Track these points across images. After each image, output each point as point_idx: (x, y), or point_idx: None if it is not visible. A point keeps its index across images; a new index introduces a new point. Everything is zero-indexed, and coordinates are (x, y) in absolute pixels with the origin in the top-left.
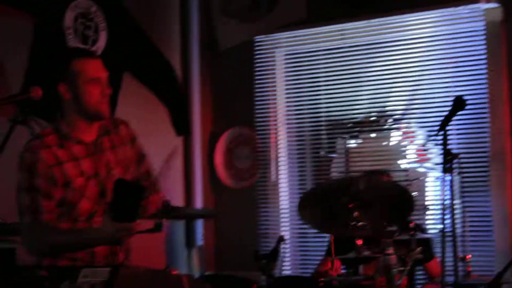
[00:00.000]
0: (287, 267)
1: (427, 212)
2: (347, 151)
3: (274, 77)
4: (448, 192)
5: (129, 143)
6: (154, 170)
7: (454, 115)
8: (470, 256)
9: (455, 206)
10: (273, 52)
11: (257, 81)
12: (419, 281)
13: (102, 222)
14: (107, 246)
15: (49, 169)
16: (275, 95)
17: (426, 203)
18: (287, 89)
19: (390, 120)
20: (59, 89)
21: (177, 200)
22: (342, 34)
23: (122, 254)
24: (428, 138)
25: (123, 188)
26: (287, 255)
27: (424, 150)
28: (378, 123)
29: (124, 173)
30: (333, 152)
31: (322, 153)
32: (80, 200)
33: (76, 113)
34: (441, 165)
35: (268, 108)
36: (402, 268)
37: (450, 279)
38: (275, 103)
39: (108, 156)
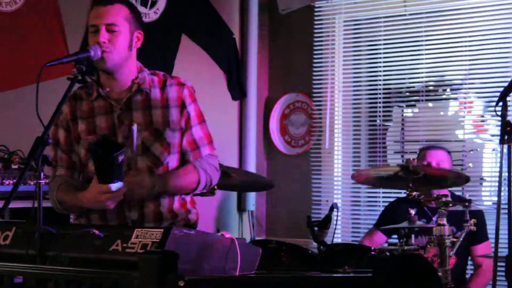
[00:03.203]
0: (338, 235)
1: (483, 184)
2: (403, 120)
3: (333, 44)
4: (505, 164)
5: (178, 107)
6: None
7: None
8: None
9: None
10: (333, 19)
11: (315, 48)
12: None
13: (89, 186)
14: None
15: (66, 123)
16: (333, 62)
17: (482, 174)
18: (345, 56)
19: (448, 90)
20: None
21: (232, 163)
22: (404, 1)
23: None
24: (487, 108)
25: (99, 149)
26: (339, 223)
27: (482, 121)
28: (436, 92)
29: (151, 137)
30: (389, 120)
31: (378, 121)
32: (90, 159)
33: (95, 64)
34: (499, 137)
35: (325, 75)
36: (455, 239)
37: (504, 252)
38: (332, 70)
39: (135, 117)
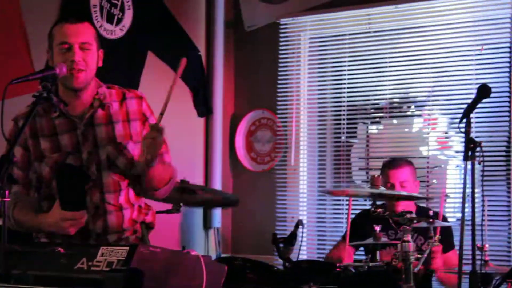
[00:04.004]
0: (304, 251)
1: (447, 200)
2: (368, 136)
3: (298, 61)
4: (468, 181)
5: (140, 120)
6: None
7: (479, 102)
8: (487, 245)
9: (475, 195)
10: (298, 35)
11: (280, 64)
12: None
13: (51, 211)
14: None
15: (24, 140)
16: (298, 78)
17: (447, 191)
18: (310, 73)
19: (412, 107)
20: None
21: (198, 180)
22: (368, 19)
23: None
24: (451, 125)
25: (64, 179)
26: (304, 239)
27: (446, 137)
28: (400, 109)
29: (115, 151)
30: (354, 137)
31: (343, 138)
32: (53, 177)
33: (62, 82)
34: (463, 153)
35: (290, 91)
36: (419, 256)
37: (467, 267)
38: (298, 87)
39: (98, 132)
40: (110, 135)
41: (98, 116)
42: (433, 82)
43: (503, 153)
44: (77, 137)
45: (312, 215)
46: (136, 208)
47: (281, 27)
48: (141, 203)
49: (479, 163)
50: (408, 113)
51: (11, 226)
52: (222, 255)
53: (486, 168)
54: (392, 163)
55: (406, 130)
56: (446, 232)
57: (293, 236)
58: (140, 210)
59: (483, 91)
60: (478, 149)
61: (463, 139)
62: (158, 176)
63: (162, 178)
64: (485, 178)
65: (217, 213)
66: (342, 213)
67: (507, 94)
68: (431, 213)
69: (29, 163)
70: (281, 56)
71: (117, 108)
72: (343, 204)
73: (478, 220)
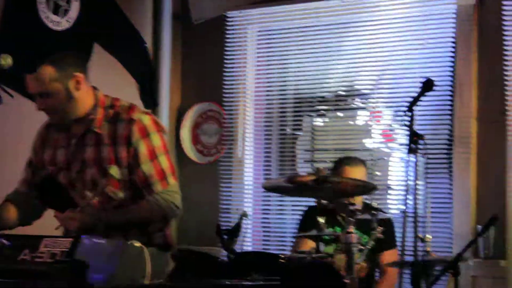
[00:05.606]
0: (248, 243)
1: (390, 192)
2: (313, 129)
3: (245, 54)
4: (412, 173)
5: (125, 144)
6: None
7: (422, 96)
8: (430, 236)
9: (418, 187)
10: (245, 29)
11: (227, 57)
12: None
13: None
14: None
15: (35, 148)
16: (245, 71)
17: (389, 183)
18: (257, 66)
19: (357, 99)
20: None
21: None
22: (316, 13)
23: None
24: (395, 118)
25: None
26: (249, 231)
27: (390, 130)
28: (345, 102)
29: (99, 174)
30: (299, 129)
31: (288, 130)
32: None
33: None
34: (406, 146)
35: (237, 84)
36: (362, 247)
37: (409, 258)
38: (244, 80)
39: (87, 153)
40: (96, 156)
41: (89, 136)
42: (379, 75)
43: (446, 146)
44: (69, 155)
45: (257, 207)
46: None
47: (229, 20)
48: None
49: (422, 156)
50: (353, 106)
51: None
52: None
53: (429, 161)
54: (351, 160)
55: (351, 122)
56: (387, 230)
57: (237, 227)
58: None
59: (427, 85)
60: (421, 142)
61: (407, 132)
62: (130, 225)
63: (138, 223)
64: (428, 170)
65: None
66: (287, 205)
67: (450, 88)
68: (374, 204)
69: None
70: (228, 49)
71: (108, 130)
72: (288, 196)
73: (421, 212)
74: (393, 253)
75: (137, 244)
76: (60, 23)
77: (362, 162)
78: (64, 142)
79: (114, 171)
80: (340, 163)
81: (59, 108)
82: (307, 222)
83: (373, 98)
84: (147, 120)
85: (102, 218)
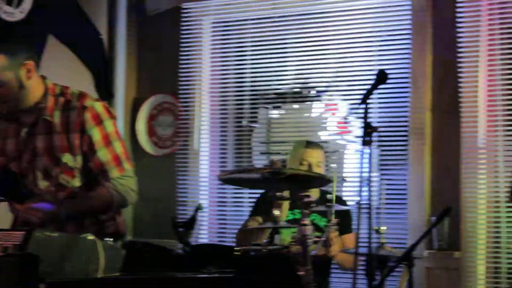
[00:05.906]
0: (204, 235)
1: (345, 184)
2: (269, 121)
3: (200, 46)
4: (366, 165)
5: (78, 132)
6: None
7: (376, 88)
8: (384, 228)
9: (373, 179)
10: (201, 20)
11: (182, 49)
12: None
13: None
14: None
15: None
16: (200, 63)
17: (345, 175)
18: (212, 57)
19: (313, 92)
20: None
21: None
22: (273, 4)
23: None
24: (350, 110)
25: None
26: (205, 223)
27: (346, 122)
28: (301, 94)
29: (51, 162)
30: (255, 122)
31: (244, 122)
32: None
33: None
34: (361, 138)
35: (192, 76)
36: (317, 239)
37: (363, 249)
38: (200, 72)
39: (38, 142)
40: (47, 145)
41: (40, 124)
42: (335, 68)
43: (402, 138)
44: (20, 145)
45: (213, 199)
46: None
47: (184, 11)
48: None
49: (377, 148)
50: (309, 98)
51: None
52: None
53: (386, 153)
54: (310, 143)
55: (307, 115)
56: (345, 216)
57: (192, 220)
58: None
59: (380, 77)
60: (375, 134)
61: (361, 124)
62: (90, 213)
63: (96, 211)
64: (384, 162)
65: None
66: (243, 197)
67: (407, 80)
68: (330, 197)
69: None
70: (183, 41)
71: (59, 118)
72: (244, 188)
73: (375, 203)
74: (352, 237)
75: (91, 237)
76: (14, 14)
77: (321, 146)
78: (14, 132)
79: (67, 159)
80: (298, 148)
81: (10, 98)
82: (260, 206)
83: (331, 90)
84: (99, 107)
85: (64, 207)
